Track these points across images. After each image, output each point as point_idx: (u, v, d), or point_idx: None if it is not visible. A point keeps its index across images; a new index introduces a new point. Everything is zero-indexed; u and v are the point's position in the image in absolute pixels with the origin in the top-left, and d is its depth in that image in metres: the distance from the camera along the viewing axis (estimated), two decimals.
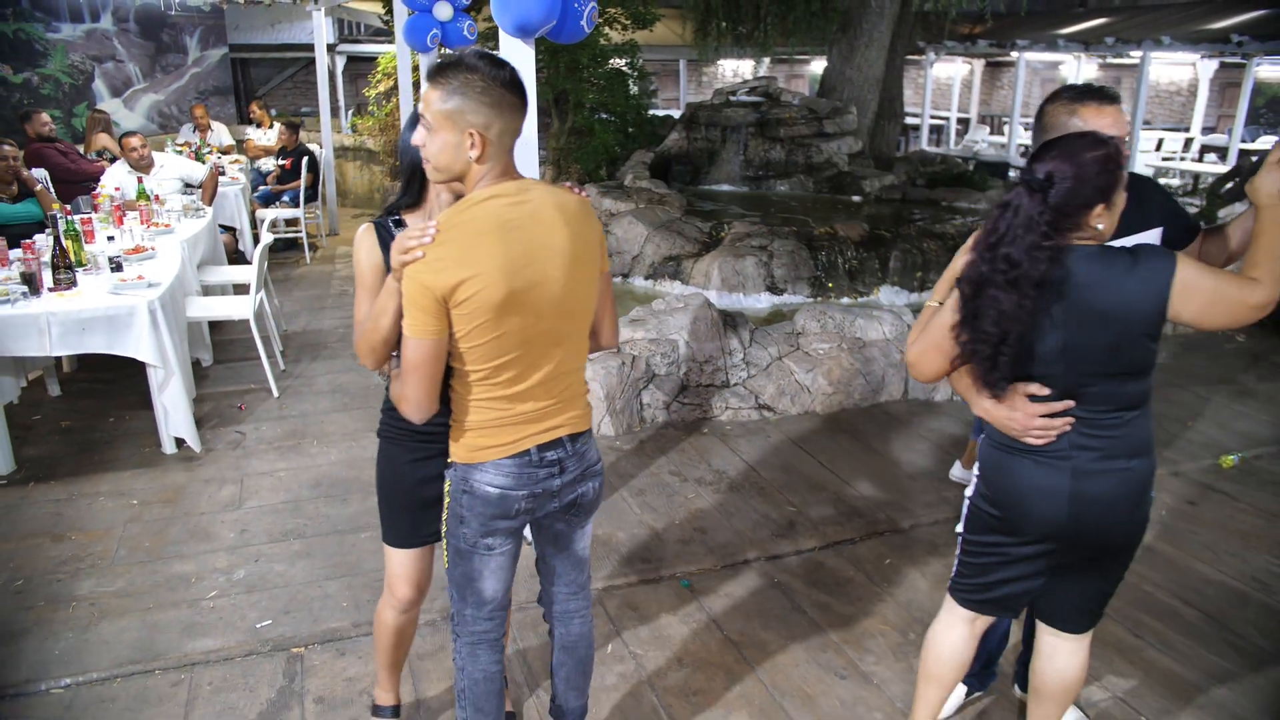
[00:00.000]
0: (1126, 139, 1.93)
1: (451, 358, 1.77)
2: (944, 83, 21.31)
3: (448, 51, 5.42)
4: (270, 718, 2.57)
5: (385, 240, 1.96)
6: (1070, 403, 1.83)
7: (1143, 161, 13.36)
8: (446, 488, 1.92)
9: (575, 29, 2.92)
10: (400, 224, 2.00)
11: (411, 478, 2.10)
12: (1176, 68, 19.43)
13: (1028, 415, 1.84)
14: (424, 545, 2.19)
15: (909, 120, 18.03)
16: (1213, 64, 15.90)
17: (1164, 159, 14.61)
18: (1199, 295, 1.76)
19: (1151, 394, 1.90)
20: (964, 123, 19.84)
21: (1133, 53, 11.95)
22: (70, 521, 3.57)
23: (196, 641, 2.87)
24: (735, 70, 20.31)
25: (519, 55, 2.88)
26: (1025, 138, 16.94)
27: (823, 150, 7.87)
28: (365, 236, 1.97)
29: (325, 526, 3.56)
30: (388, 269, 1.85)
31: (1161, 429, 4.64)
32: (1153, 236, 2.13)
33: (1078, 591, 2.08)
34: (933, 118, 19.63)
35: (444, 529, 1.94)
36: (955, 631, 2.19)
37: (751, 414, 4.59)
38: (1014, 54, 14.63)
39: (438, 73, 1.70)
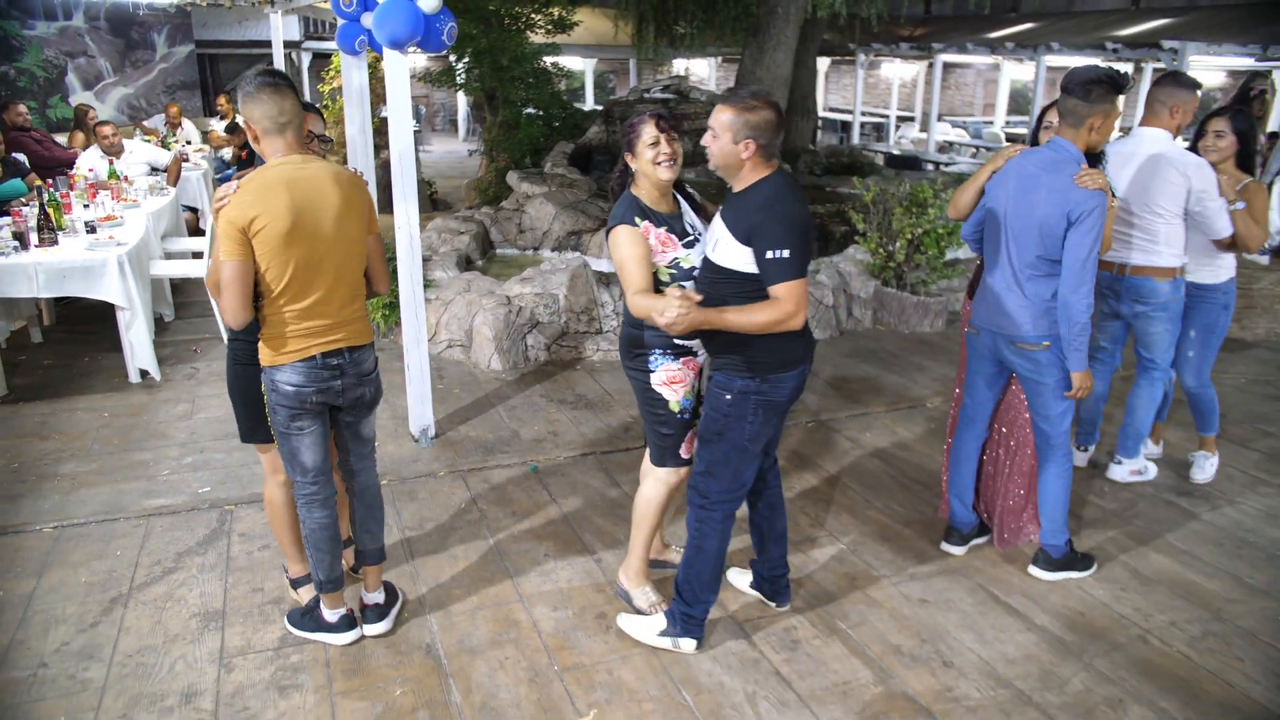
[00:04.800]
0: (718, 133, 2.51)
1: (258, 284, 2.50)
2: (899, 83, 22.42)
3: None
4: (205, 544, 3.53)
5: None
6: None
7: None
8: (263, 387, 2.69)
9: (438, 43, 3.90)
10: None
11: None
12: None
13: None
14: None
15: (845, 118, 19.13)
16: (1146, 68, 17.09)
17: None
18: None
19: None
20: (912, 119, 21.00)
21: (1028, 59, 13.06)
22: (54, 427, 4.50)
23: (152, 500, 3.82)
24: (687, 68, 21.31)
25: (394, 61, 3.85)
26: (953, 134, 18.18)
27: None
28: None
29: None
30: None
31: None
32: (731, 245, 2.56)
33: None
34: (877, 116, 20.78)
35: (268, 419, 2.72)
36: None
37: (619, 355, 5.58)
38: (942, 57, 15.69)
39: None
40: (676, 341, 2.82)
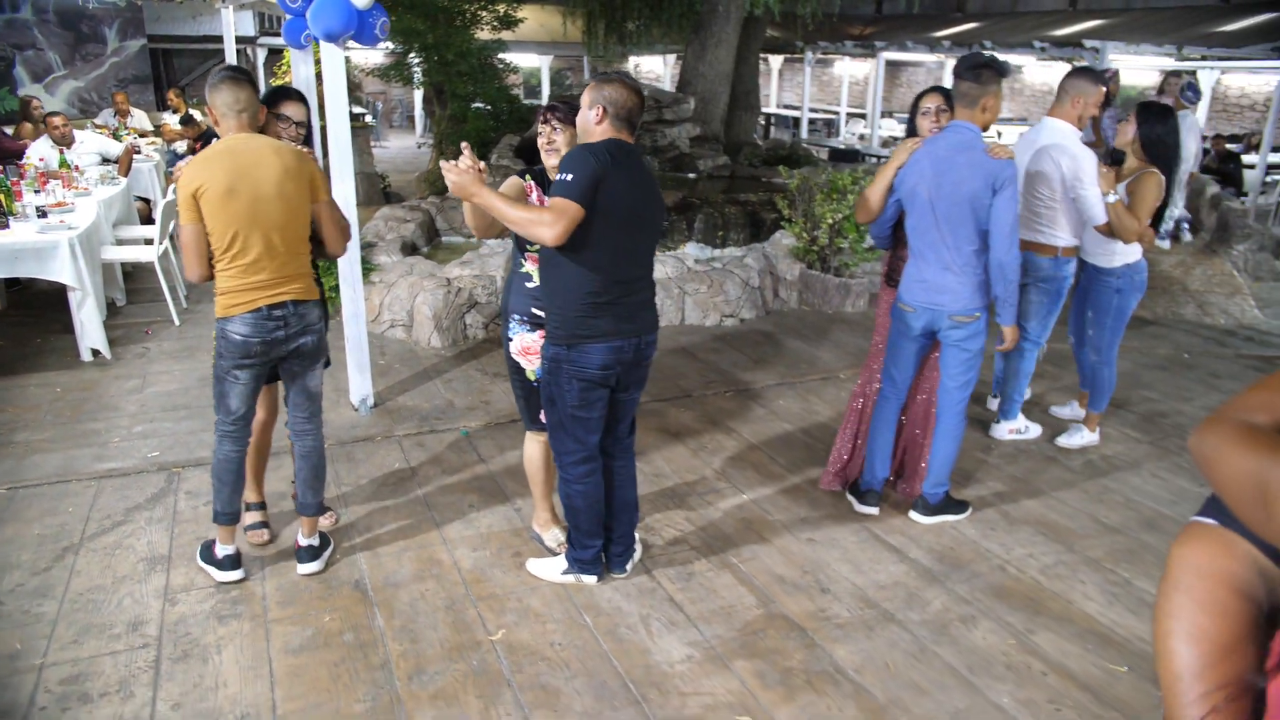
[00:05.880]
0: (581, 108, 2.83)
1: (210, 245, 2.89)
2: (852, 81, 22.96)
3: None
4: (153, 501, 3.79)
5: None
6: None
7: None
8: (214, 334, 3.03)
9: (370, 36, 4.18)
10: None
11: None
12: (1050, 71, 21.40)
13: None
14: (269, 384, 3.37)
15: (798, 114, 19.61)
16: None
17: None
18: None
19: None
20: (864, 116, 21.56)
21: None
22: (7, 401, 4.71)
23: (103, 464, 4.07)
24: (637, 65, 21.65)
25: (330, 53, 4.13)
26: (899, 130, 18.74)
27: (666, 134, 9.22)
28: None
29: (206, 402, 4.74)
30: None
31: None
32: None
33: None
34: (829, 112, 21.31)
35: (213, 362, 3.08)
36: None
37: None
38: (885, 55, 16.18)
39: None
40: (534, 310, 3.08)
